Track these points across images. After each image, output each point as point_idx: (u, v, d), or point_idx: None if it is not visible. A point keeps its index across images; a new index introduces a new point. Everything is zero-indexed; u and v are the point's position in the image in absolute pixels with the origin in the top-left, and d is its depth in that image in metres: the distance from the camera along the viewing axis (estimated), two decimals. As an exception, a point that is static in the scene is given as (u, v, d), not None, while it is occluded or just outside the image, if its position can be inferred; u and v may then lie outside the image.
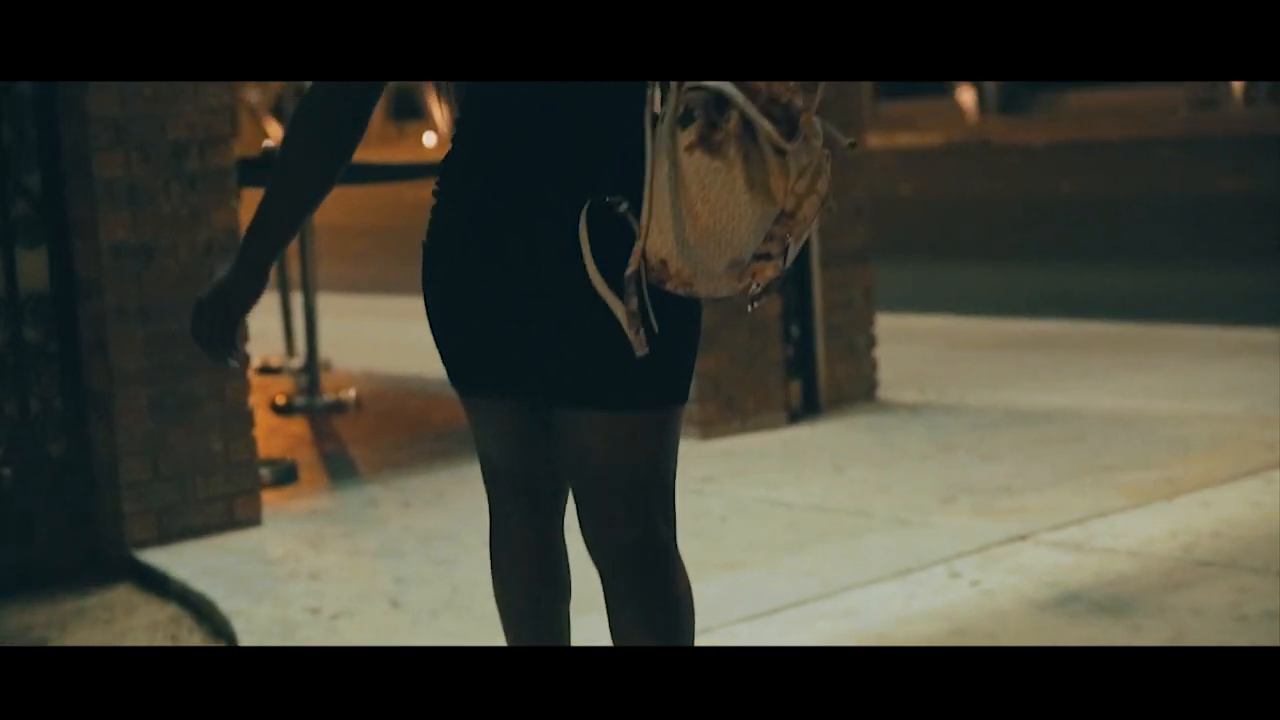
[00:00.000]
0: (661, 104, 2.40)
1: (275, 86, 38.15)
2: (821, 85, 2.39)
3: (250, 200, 7.48)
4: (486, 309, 2.57)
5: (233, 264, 2.67)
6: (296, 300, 7.72)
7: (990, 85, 29.41)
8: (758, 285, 2.45)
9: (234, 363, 2.71)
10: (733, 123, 2.34)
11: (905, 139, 24.58)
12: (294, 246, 7.76)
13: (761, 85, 2.36)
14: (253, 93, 38.75)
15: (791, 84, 2.36)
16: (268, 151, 7.85)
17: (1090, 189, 16.67)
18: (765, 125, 2.34)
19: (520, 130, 2.54)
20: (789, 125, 2.36)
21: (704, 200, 2.36)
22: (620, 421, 2.57)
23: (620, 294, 2.43)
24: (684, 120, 2.36)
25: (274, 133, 35.67)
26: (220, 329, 2.67)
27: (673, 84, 2.39)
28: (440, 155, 2.68)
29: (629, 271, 2.41)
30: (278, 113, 37.32)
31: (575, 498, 2.68)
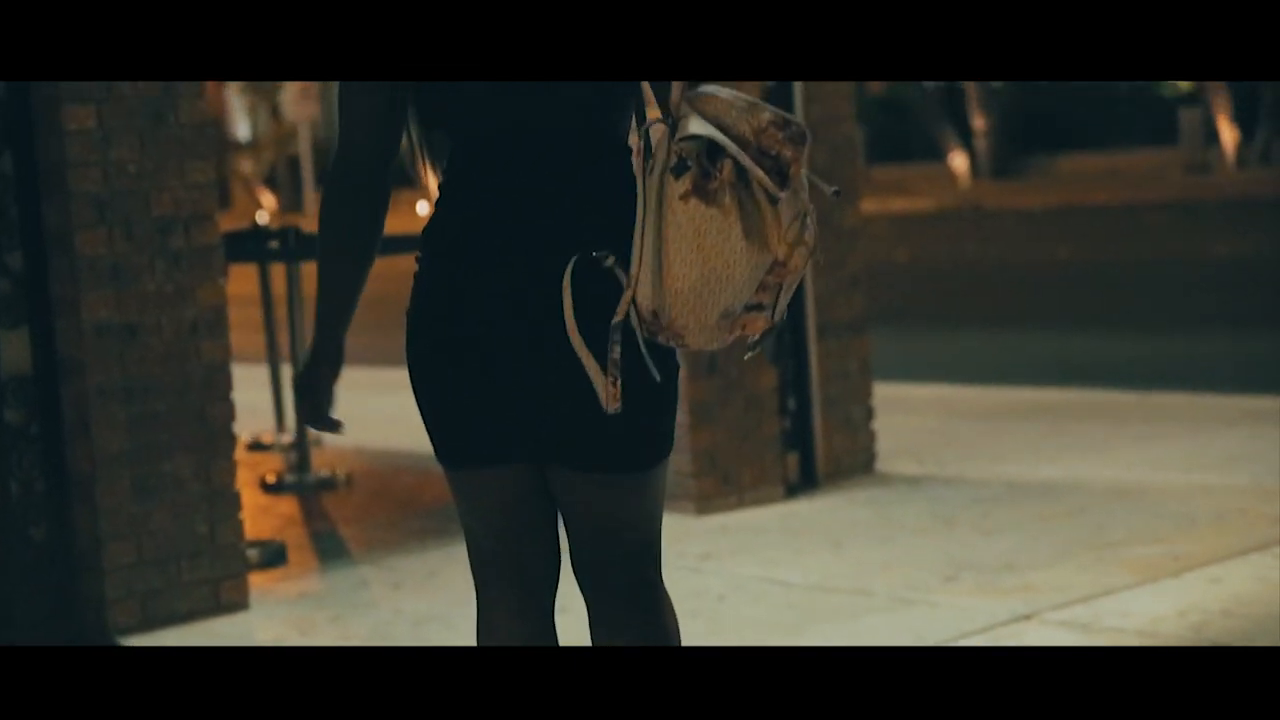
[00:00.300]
0: (648, 153, 2.43)
1: (268, 156, 38.31)
2: (809, 139, 2.41)
3: (239, 275, 7.42)
4: (478, 376, 2.54)
5: (311, 341, 2.71)
6: (287, 373, 7.62)
7: (982, 150, 29.46)
8: (749, 337, 2.46)
9: (338, 431, 2.75)
10: (727, 171, 2.36)
11: (898, 204, 24.57)
12: (282, 317, 7.68)
13: (750, 136, 2.38)
14: (246, 163, 38.85)
15: (780, 135, 2.38)
16: (258, 226, 7.81)
17: (1085, 254, 16.63)
18: (759, 173, 2.36)
19: (502, 191, 2.54)
20: (780, 175, 2.37)
21: (699, 249, 2.37)
22: (618, 481, 2.59)
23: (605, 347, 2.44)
24: (677, 169, 2.38)
25: (267, 202, 35.79)
26: (316, 407, 2.72)
27: (662, 133, 2.41)
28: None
29: (615, 320, 2.42)
30: (270, 182, 37.49)
31: (570, 544, 2.69)
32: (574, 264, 2.47)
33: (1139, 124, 30.29)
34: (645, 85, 2.58)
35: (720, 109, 2.40)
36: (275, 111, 38.42)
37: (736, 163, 2.37)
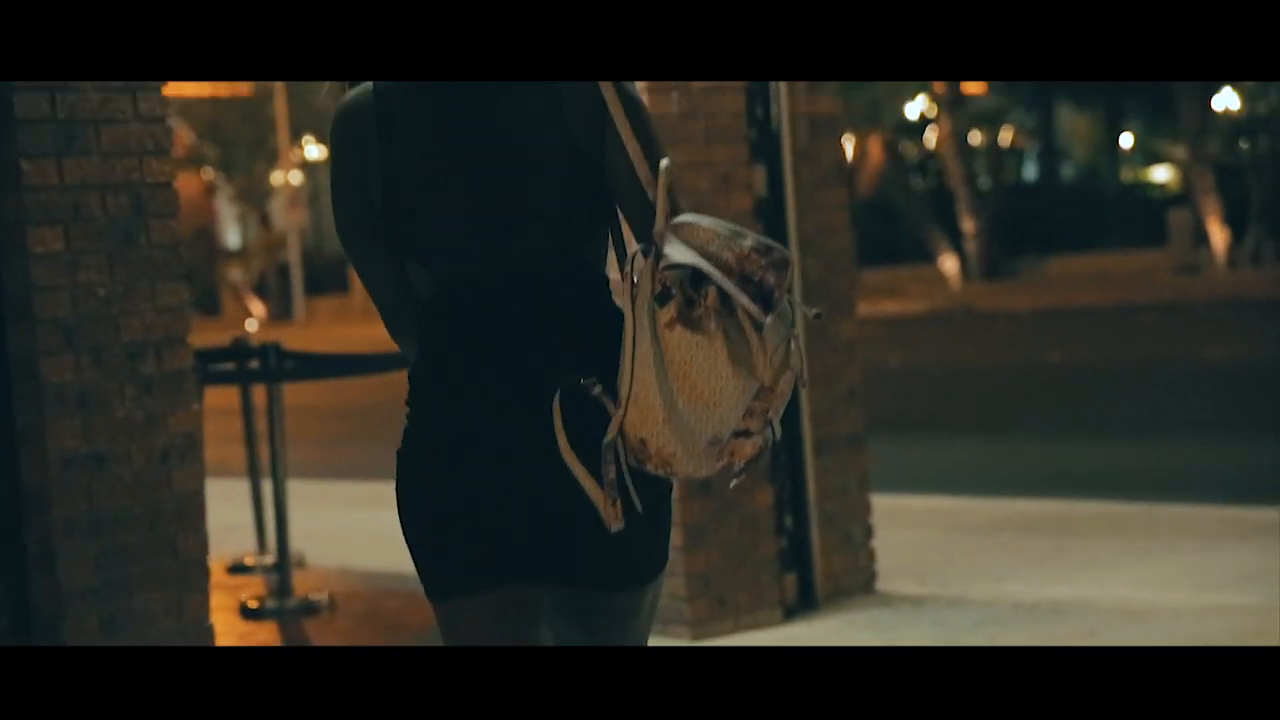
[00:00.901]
0: (634, 280, 2.43)
1: (258, 265, 38.28)
2: (792, 263, 2.44)
3: (215, 396, 7.20)
4: (469, 502, 2.53)
5: None
6: (269, 490, 7.41)
7: (972, 252, 29.44)
8: (737, 463, 2.46)
9: None
10: (711, 298, 2.38)
11: (890, 307, 24.49)
12: (262, 429, 7.48)
13: (733, 263, 2.39)
14: (235, 271, 38.81)
15: (762, 261, 2.40)
16: (239, 341, 7.62)
17: (1078, 357, 16.49)
18: (743, 299, 2.38)
19: (481, 323, 2.56)
20: (764, 301, 2.39)
21: (686, 376, 2.39)
22: (617, 597, 2.61)
23: (599, 469, 2.44)
24: (661, 298, 2.40)
25: (256, 310, 35.70)
26: None
27: (646, 261, 2.42)
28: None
29: (606, 440, 2.42)
30: (260, 290, 37.43)
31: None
32: (561, 391, 2.48)
33: (1127, 225, 30.34)
34: (620, 216, 2.61)
35: (703, 237, 2.42)
36: (265, 219, 38.47)
37: (721, 290, 2.38)
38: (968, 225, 29.44)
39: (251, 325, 31.22)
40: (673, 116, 6.01)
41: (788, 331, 2.44)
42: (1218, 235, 26.63)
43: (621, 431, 2.42)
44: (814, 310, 2.52)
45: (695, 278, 2.39)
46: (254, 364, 6.97)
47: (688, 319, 2.38)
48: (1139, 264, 27.41)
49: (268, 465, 7.31)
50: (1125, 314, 21.21)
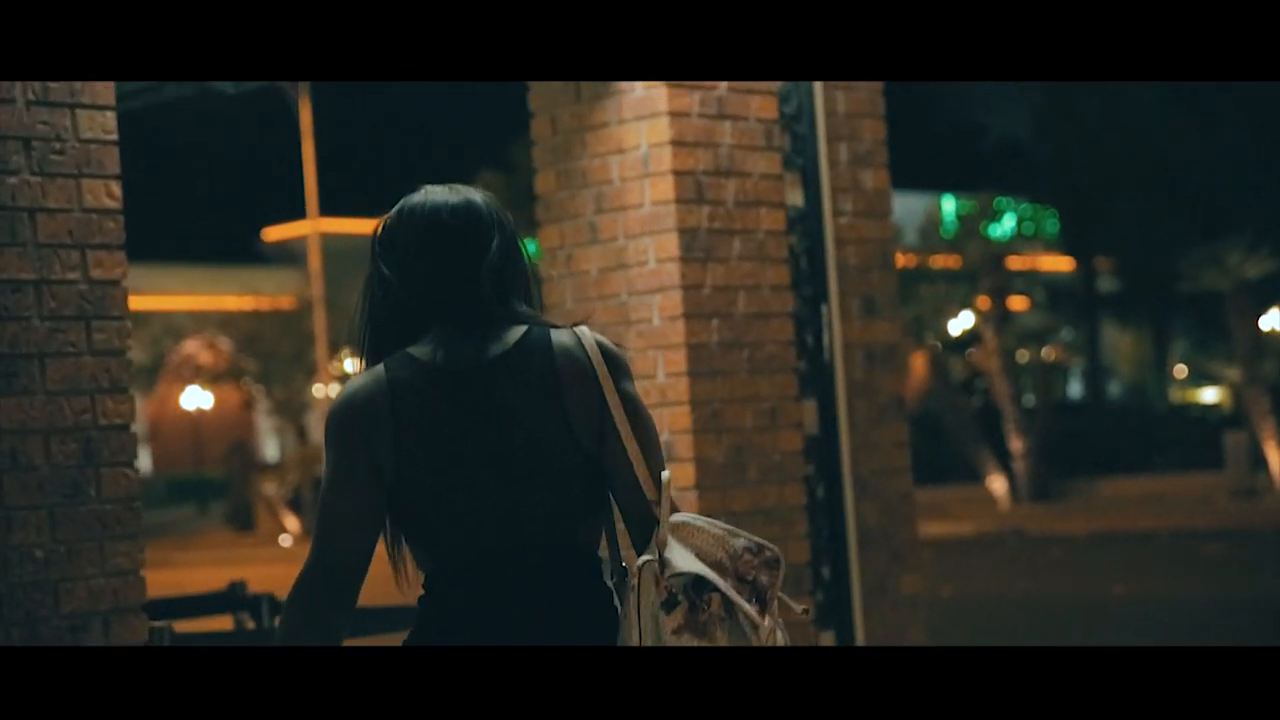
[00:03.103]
0: (638, 584, 2.54)
1: (294, 479, 37.74)
2: (784, 562, 2.59)
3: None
4: None
5: None
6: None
7: (1021, 472, 28.68)
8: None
9: None
10: (715, 604, 2.54)
11: (937, 529, 23.64)
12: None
13: (727, 563, 2.55)
14: (270, 485, 38.27)
15: (755, 561, 2.56)
16: (233, 587, 6.88)
17: (1139, 588, 15.62)
18: (745, 607, 2.54)
19: (483, 603, 2.60)
20: (760, 602, 2.56)
21: None
22: None
23: None
24: (668, 605, 2.53)
25: (291, 525, 35.06)
26: None
27: (650, 569, 2.54)
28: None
29: None
30: (294, 504, 36.81)
31: None
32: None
33: (1178, 446, 29.59)
34: (613, 502, 2.69)
35: (699, 539, 2.58)
36: (302, 433, 38.07)
37: (724, 595, 2.54)
38: (1016, 444, 28.70)
39: (285, 540, 30.66)
40: (713, 346, 5.39)
41: (774, 629, 2.57)
42: (1275, 459, 25.82)
43: None
44: (801, 607, 2.64)
45: (699, 583, 2.54)
46: (246, 620, 6.19)
47: (694, 626, 2.53)
48: (1194, 487, 26.61)
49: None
50: (1185, 540, 20.36)
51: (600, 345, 2.66)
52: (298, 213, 32.49)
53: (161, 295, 40.30)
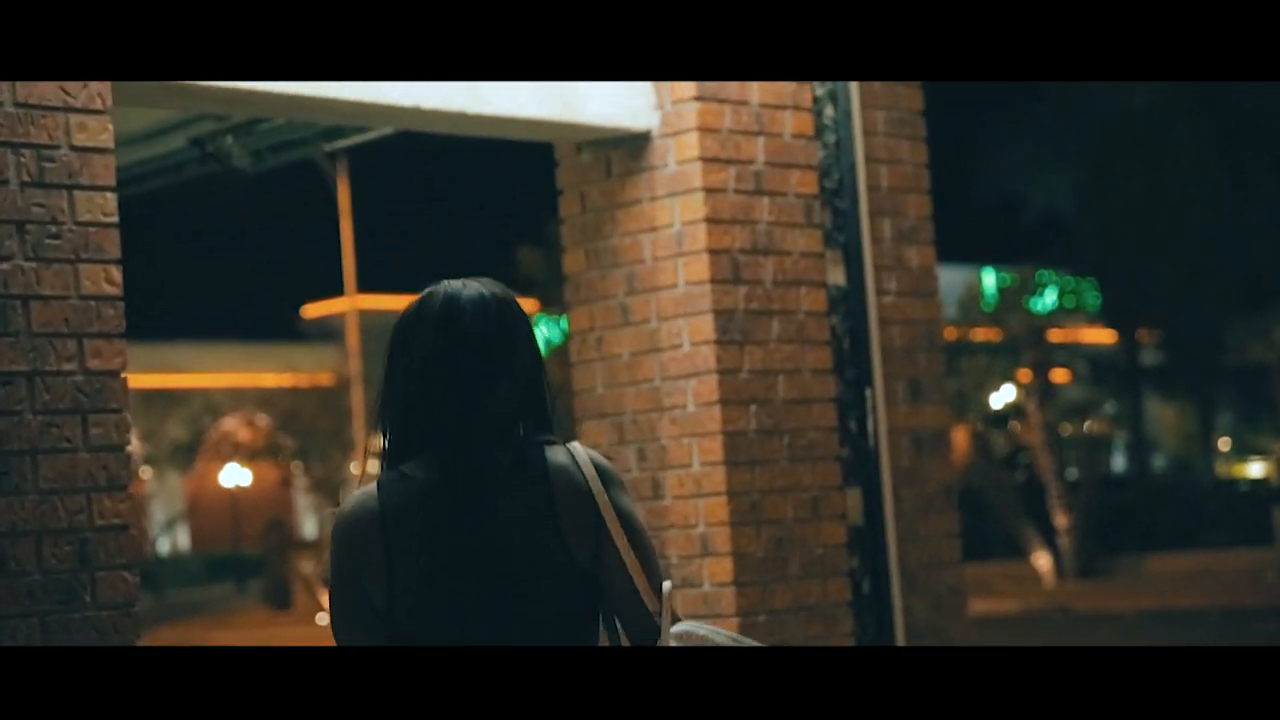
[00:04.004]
0: None
1: (329, 557, 37.56)
2: None
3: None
4: None
5: None
6: None
7: (1066, 547, 28.26)
8: None
9: None
10: None
11: (982, 605, 23.19)
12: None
13: None
14: (308, 563, 38.04)
15: None
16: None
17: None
18: None
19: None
20: None
21: None
22: None
23: None
24: None
25: (327, 603, 34.83)
26: None
27: None
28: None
29: None
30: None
31: None
32: None
33: (1225, 522, 29.14)
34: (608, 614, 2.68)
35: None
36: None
37: None
38: (1060, 520, 28.29)
39: (322, 619, 30.47)
40: (751, 434, 5.16)
41: None
42: (1327, 534, 25.37)
43: None
44: None
45: None
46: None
47: None
48: (1242, 563, 26.18)
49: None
50: (1235, 618, 19.92)
51: (594, 462, 2.68)
52: (336, 290, 32.52)
53: (200, 373, 40.33)
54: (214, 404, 38.89)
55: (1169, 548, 28.43)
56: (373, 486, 2.68)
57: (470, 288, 2.67)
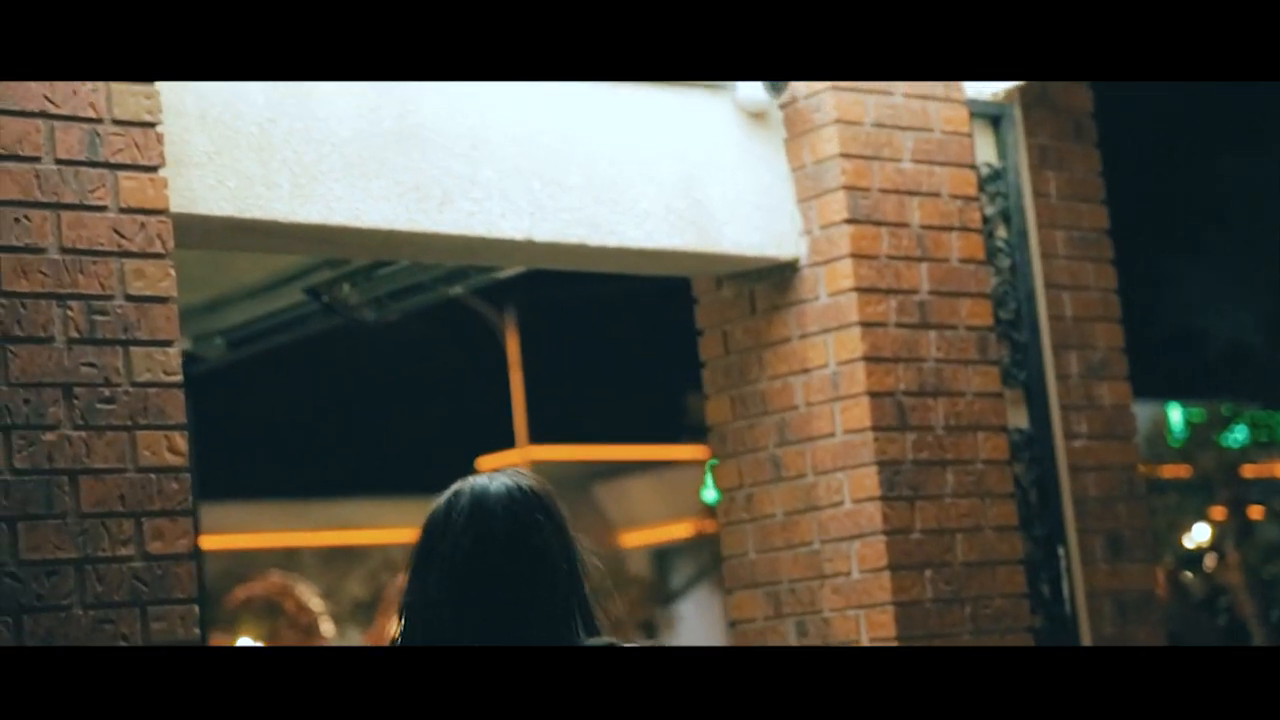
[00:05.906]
0: None
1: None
2: None
3: None
4: None
5: None
6: None
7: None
8: None
9: None
10: None
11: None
12: None
13: None
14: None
15: None
16: None
17: None
18: None
19: None
20: None
21: None
22: None
23: None
24: None
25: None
26: None
27: None
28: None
29: None
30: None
31: None
32: None
33: None
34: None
35: None
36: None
37: None
38: (1267, 666, 27.21)
39: None
40: (926, 603, 5.26)
41: None
42: None
43: None
44: None
45: None
46: None
47: None
48: None
49: None
50: None
51: None
52: (507, 441, 32.95)
53: (378, 529, 40.95)
54: (392, 560, 39.35)
55: None
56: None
57: (497, 482, 2.59)
